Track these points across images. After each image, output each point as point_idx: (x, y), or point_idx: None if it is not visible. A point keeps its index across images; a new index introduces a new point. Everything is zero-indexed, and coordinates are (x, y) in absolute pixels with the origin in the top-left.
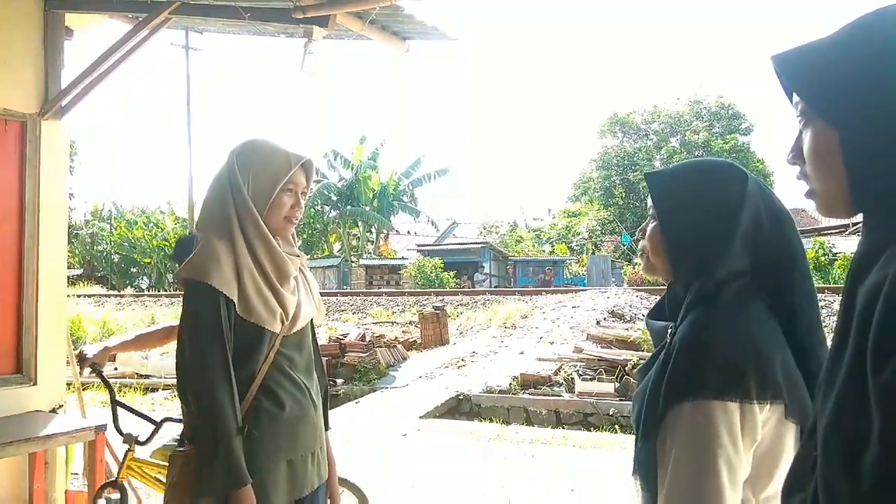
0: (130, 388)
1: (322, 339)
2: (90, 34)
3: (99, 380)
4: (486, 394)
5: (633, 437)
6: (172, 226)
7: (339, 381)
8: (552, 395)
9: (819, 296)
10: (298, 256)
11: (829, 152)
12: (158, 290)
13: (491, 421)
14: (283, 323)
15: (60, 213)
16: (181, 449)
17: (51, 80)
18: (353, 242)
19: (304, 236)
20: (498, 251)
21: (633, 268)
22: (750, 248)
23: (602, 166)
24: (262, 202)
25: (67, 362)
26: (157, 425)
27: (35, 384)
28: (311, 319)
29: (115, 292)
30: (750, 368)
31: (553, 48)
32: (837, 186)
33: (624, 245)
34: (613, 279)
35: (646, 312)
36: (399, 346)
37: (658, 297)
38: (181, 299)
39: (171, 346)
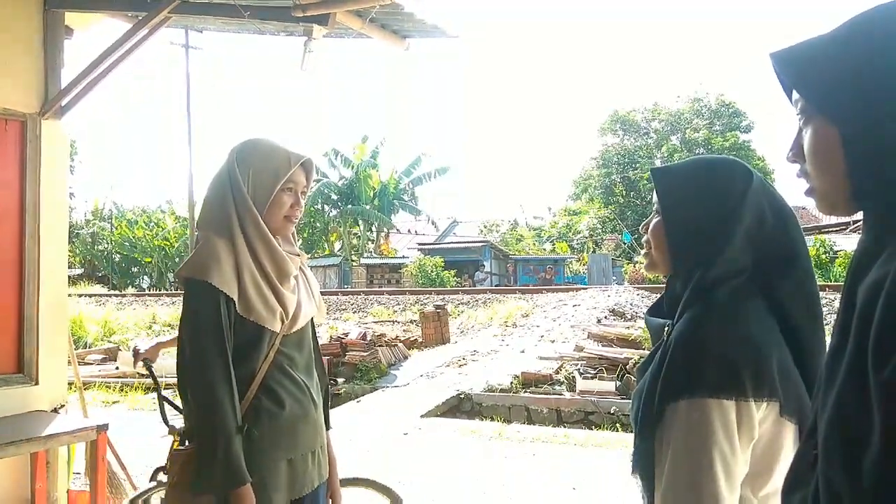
0: (132, 387)
1: (323, 339)
2: (90, 33)
3: (148, 374)
4: (487, 392)
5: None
6: (173, 225)
7: (340, 380)
8: (553, 394)
9: (820, 293)
10: (299, 255)
11: (829, 149)
12: (159, 290)
13: (492, 420)
14: (283, 322)
15: (61, 213)
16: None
17: (51, 79)
18: (354, 241)
19: (305, 235)
20: (498, 250)
21: (634, 266)
22: (752, 245)
23: (602, 164)
24: (262, 201)
25: (69, 362)
26: None
27: (36, 384)
28: (312, 318)
29: (116, 292)
30: (746, 366)
31: (553, 46)
32: (838, 184)
33: (625, 243)
34: (614, 277)
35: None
36: (400, 344)
37: (658, 295)
38: (181, 298)
39: (172, 347)
